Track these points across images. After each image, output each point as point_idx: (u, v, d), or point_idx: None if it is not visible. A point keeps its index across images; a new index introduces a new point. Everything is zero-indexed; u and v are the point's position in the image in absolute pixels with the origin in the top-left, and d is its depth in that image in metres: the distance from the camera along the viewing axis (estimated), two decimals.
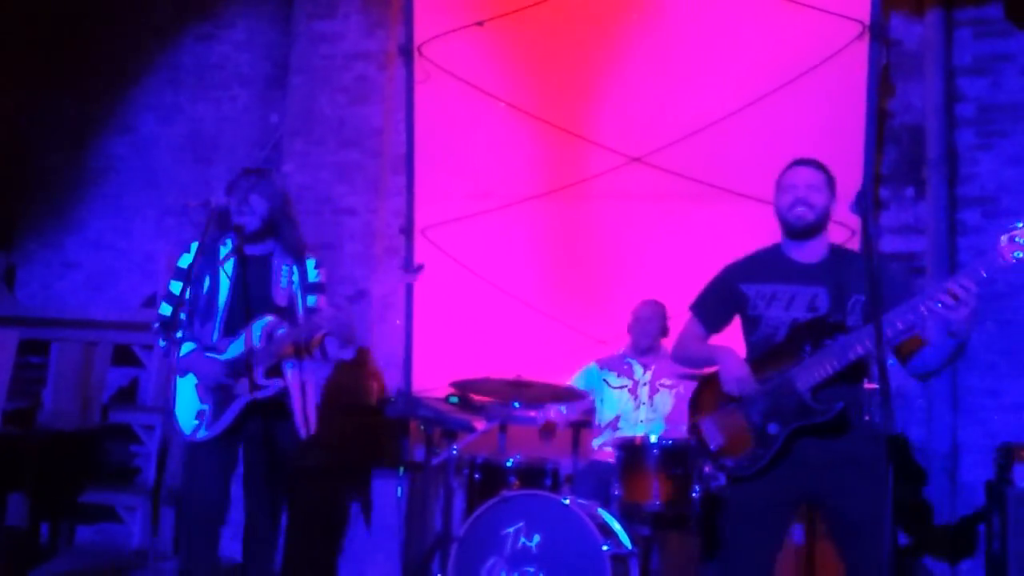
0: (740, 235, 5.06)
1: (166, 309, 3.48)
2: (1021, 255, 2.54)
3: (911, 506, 4.75)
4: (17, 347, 5.02)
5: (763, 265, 3.02)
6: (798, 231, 2.94)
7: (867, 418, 2.80)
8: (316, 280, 3.53)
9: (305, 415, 3.44)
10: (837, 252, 2.99)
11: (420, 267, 3.44)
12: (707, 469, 3.88)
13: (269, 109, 6.13)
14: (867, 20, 4.89)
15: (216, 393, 3.34)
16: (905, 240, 5.12)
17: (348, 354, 3.52)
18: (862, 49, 4.95)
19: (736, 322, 3.11)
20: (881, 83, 5.06)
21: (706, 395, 3.04)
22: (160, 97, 6.27)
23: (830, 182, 2.98)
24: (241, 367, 3.31)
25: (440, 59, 5.58)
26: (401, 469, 4.86)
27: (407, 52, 5.62)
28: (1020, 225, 2.57)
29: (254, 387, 3.29)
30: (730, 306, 3.06)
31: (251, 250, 3.42)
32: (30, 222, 6.33)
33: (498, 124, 5.49)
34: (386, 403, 5.09)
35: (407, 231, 5.57)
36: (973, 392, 4.83)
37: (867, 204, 2.72)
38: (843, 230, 4.54)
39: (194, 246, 3.43)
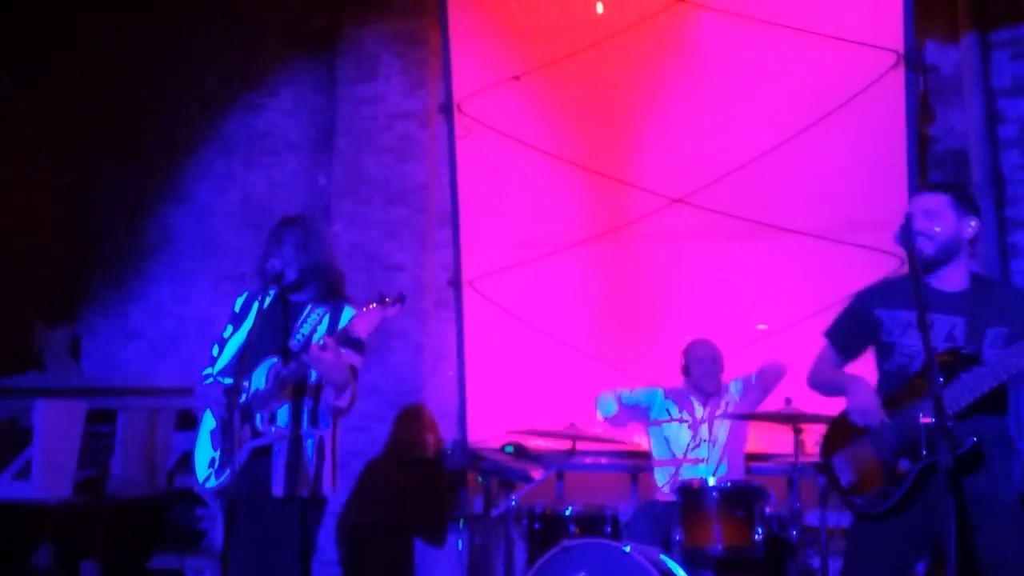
0: (784, 269, 5.09)
1: (215, 350, 3.48)
2: None
3: None
4: (84, 417, 5.17)
5: (900, 291, 2.87)
6: (922, 265, 2.75)
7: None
8: (342, 328, 3.29)
9: (318, 473, 3.21)
10: (979, 281, 2.87)
11: (401, 297, 3.11)
12: (768, 510, 3.85)
13: (317, 172, 6.29)
14: (901, 49, 4.88)
15: (225, 440, 3.21)
16: None
17: (342, 402, 3.28)
18: (898, 78, 4.93)
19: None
20: (920, 110, 5.04)
21: (838, 432, 2.95)
22: (212, 166, 6.48)
23: (960, 203, 2.81)
24: (247, 410, 3.22)
25: (480, 114, 5.70)
26: (461, 522, 4.88)
27: (447, 109, 5.75)
28: None
29: (254, 433, 3.21)
30: (865, 332, 2.94)
31: (278, 295, 3.34)
32: (93, 294, 6.55)
33: (539, 174, 5.58)
34: (443, 455, 5.13)
35: (455, 283, 5.66)
36: None
37: (911, 234, 2.70)
38: (892, 260, 4.52)
39: (244, 295, 3.50)
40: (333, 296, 3.41)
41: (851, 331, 3.00)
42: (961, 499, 2.56)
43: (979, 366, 2.65)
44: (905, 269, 4.38)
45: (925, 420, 2.63)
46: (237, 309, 3.49)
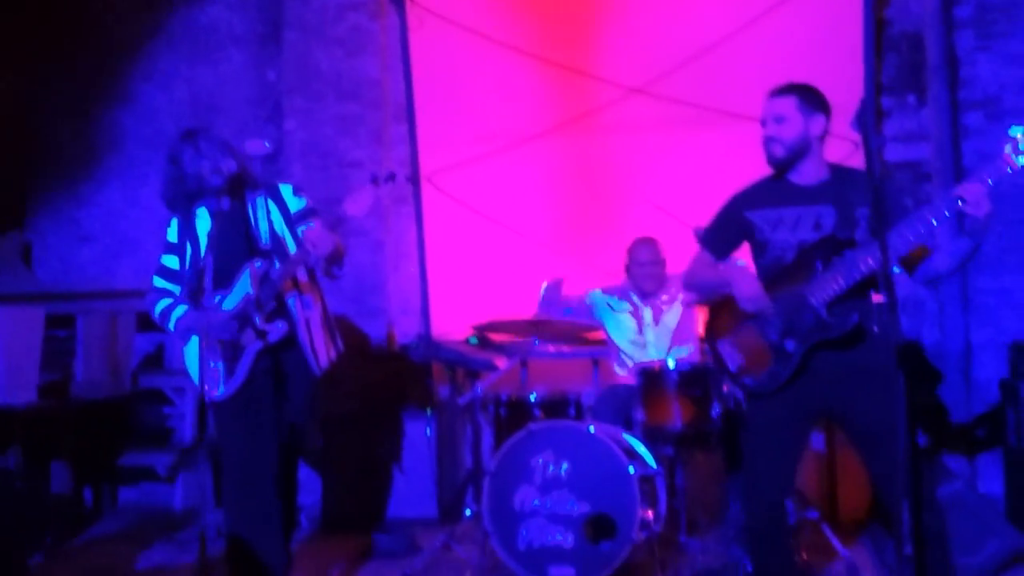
0: (744, 157, 5.08)
1: (160, 282, 3.46)
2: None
3: (928, 407, 4.86)
4: (43, 322, 5.13)
5: (766, 191, 3.04)
6: (774, 166, 2.98)
7: (876, 329, 2.84)
8: (300, 208, 3.41)
9: (314, 349, 3.38)
10: (838, 171, 3.00)
11: (391, 175, 3.22)
12: (725, 388, 3.99)
13: (266, 67, 6.13)
14: None
15: (225, 349, 3.30)
16: (909, 148, 5.14)
17: (342, 270, 3.43)
18: None
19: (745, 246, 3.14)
20: None
21: (721, 318, 3.08)
22: (157, 64, 6.28)
23: (806, 103, 2.94)
24: (241, 317, 3.28)
25: (432, 4, 5.57)
26: (429, 410, 4.99)
27: (398, 0, 5.61)
28: (1021, 131, 2.60)
29: (259, 334, 3.28)
30: (737, 234, 3.09)
31: (224, 205, 3.33)
32: (42, 199, 6.40)
33: (495, 66, 5.50)
34: (407, 349, 5.20)
35: (413, 179, 5.63)
36: (983, 293, 4.89)
37: (867, 119, 2.75)
38: (846, 144, 4.58)
39: (175, 220, 3.44)
40: (256, 183, 3.42)
41: (724, 234, 3.14)
42: (907, 373, 2.70)
43: (852, 249, 2.79)
44: (859, 155, 4.49)
45: (877, 298, 2.75)
46: (175, 238, 3.43)
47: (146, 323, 5.80)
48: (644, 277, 4.50)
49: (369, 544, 4.38)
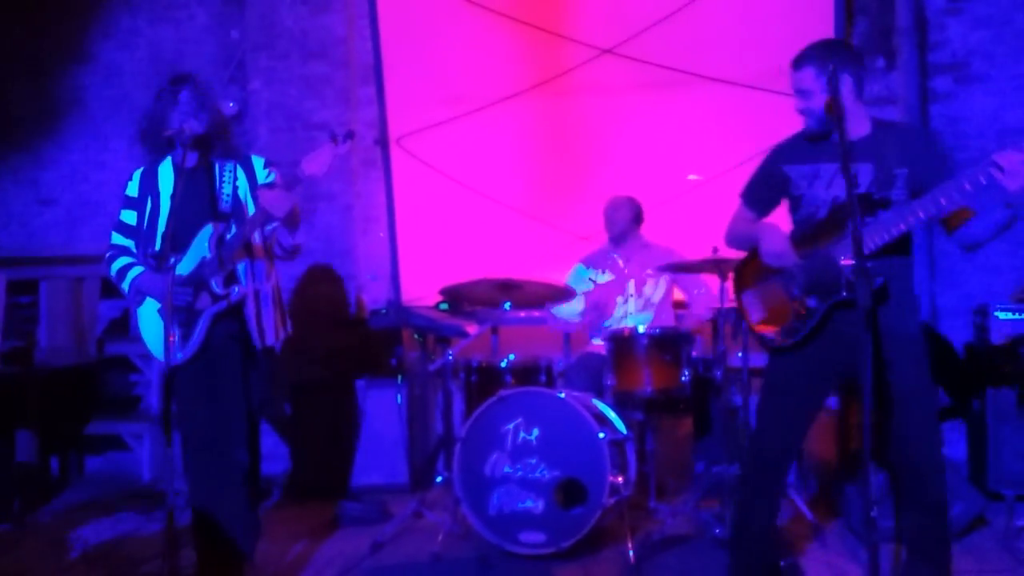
0: (714, 119, 5.12)
1: (118, 239, 3.37)
2: None
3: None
4: (5, 288, 5.03)
5: (804, 145, 2.97)
6: (813, 137, 2.92)
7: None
8: (267, 181, 3.30)
9: (260, 324, 3.27)
10: (880, 125, 2.92)
11: (350, 133, 3.10)
12: (694, 353, 4.01)
13: (229, 26, 5.99)
14: None
15: (180, 313, 3.20)
16: (878, 111, 5.06)
17: (297, 239, 3.28)
18: None
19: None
20: None
21: (749, 269, 3.07)
22: (116, 23, 6.11)
23: (825, 67, 2.82)
24: (196, 281, 3.20)
25: None
26: (399, 377, 4.98)
27: None
28: None
29: (215, 298, 3.20)
30: (775, 188, 3.03)
31: (191, 161, 3.23)
32: (2, 161, 6.24)
33: (465, 25, 5.41)
34: (376, 315, 5.16)
35: (382, 142, 5.55)
36: (949, 256, 4.94)
37: (838, 83, 2.75)
38: None
39: (137, 173, 3.35)
40: (232, 150, 3.34)
41: (763, 189, 3.10)
42: (877, 336, 2.72)
43: (886, 210, 2.75)
44: None
45: (846, 262, 2.74)
46: (135, 192, 3.34)
47: (111, 289, 5.72)
48: (610, 223, 4.55)
49: (340, 512, 4.38)
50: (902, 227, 2.71)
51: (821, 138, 2.90)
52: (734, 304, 3.16)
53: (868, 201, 2.79)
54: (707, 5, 5.05)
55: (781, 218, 3.06)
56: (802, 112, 2.91)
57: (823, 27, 4.87)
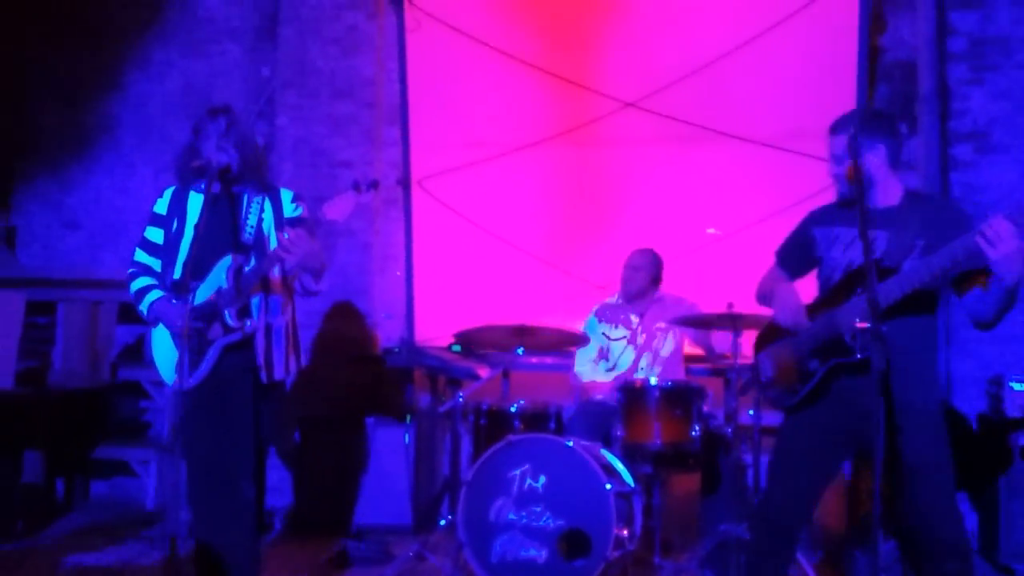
0: (734, 176, 5.15)
1: (141, 256, 3.38)
2: None
3: None
4: (24, 308, 5.08)
5: (835, 209, 3.01)
6: (843, 203, 2.94)
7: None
8: (294, 215, 3.31)
9: (268, 358, 3.25)
10: (913, 197, 2.93)
11: (374, 183, 3.15)
12: (705, 408, 3.99)
13: (260, 62, 6.10)
14: None
15: (191, 340, 3.19)
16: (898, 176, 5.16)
17: (321, 286, 3.30)
18: None
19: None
20: (872, 19, 5.05)
21: (769, 330, 3.11)
22: (150, 54, 6.24)
23: (857, 135, 2.80)
24: (210, 310, 3.20)
25: (430, 7, 5.56)
26: (408, 417, 4.97)
27: (397, 1, 5.59)
28: None
29: (227, 329, 3.19)
30: (805, 250, 3.06)
31: (216, 188, 3.23)
32: (29, 183, 6.34)
33: (491, 72, 5.49)
34: (389, 353, 5.18)
35: (404, 183, 5.61)
36: (965, 326, 4.90)
37: (858, 147, 2.76)
38: None
39: (169, 191, 3.38)
40: (264, 183, 3.36)
41: (794, 250, 3.13)
42: (890, 400, 2.69)
43: (891, 277, 2.74)
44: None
45: (861, 325, 2.73)
46: (163, 211, 3.36)
47: (127, 314, 5.77)
48: (628, 280, 4.54)
49: (341, 550, 4.35)
50: (898, 294, 2.70)
51: (850, 204, 2.90)
52: (747, 361, 3.19)
53: (876, 269, 2.74)
54: (731, 64, 5.11)
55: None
56: (833, 177, 2.94)
57: (845, 91, 4.92)
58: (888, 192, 2.90)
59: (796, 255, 3.12)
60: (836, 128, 2.94)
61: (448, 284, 5.49)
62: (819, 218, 3.04)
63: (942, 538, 2.74)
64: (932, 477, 2.75)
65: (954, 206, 2.92)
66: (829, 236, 2.95)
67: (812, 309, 2.94)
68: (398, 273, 5.68)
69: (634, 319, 4.54)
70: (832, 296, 2.89)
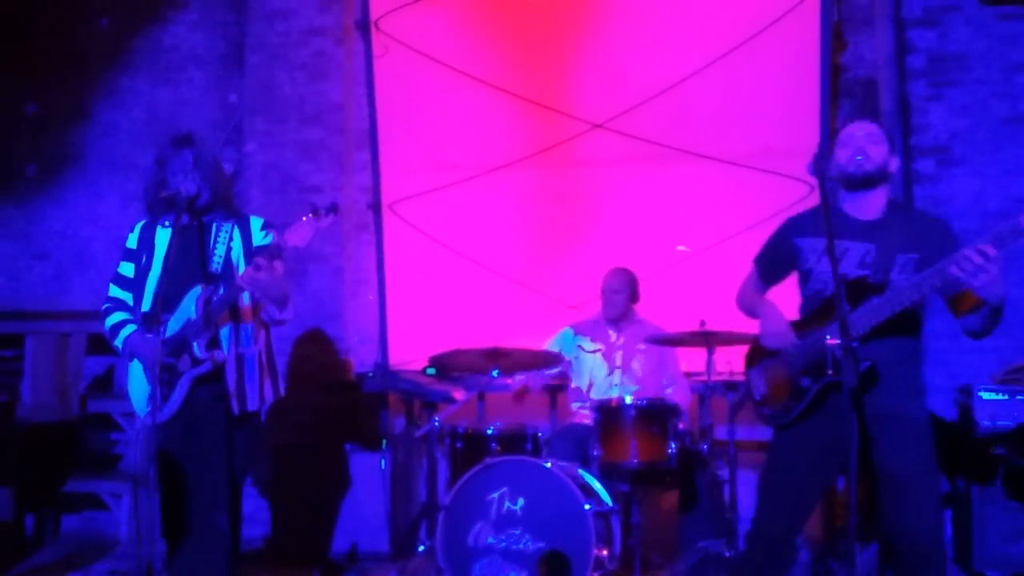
0: (701, 195, 5.21)
1: (115, 291, 3.38)
2: None
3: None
4: None
5: (818, 220, 2.91)
6: (857, 180, 2.87)
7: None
8: (263, 243, 3.26)
9: (240, 388, 3.22)
10: (895, 208, 2.96)
11: (333, 207, 3.10)
12: (681, 426, 4.01)
13: (227, 89, 6.09)
14: None
15: (163, 374, 3.16)
16: None
17: (286, 315, 3.27)
18: (814, 6, 5.03)
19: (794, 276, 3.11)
20: (833, 38, 5.15)
21: (757, 349, 3.10)
22: (117, 83, 6.20)
23: (889, 138, 2.93)
24: (180, 342, 3.18)
25: (397, 32, 5.58)
26: (384, 442, 4.94)
27: (364, 26, 5.62)
28: None
29: (195, 362, 3.18)
30: (785, 260, 3.06)
31: (184, 219, 3.22)
32: None
33: (460, 95, 5.52)
34: (363, 378, 5.15)
35: (375, 207, 5.61)
36: (934, 336, 4.97)
37: (823, 164, 2.78)
38: (802, 187, 4.67)
39: (139, 226, 3.37)
40: (231, 211, 3.35)
41: (773, 258, 3.13)
42: (862, 416, 2.72)
43: (881, 293, 2.77)
44: (815, 196, 4.57)
45: (831, 342, 2.76)
46: (134, 245, 3.36)
47: (97, 345, 5.71)
48: (610, 304, 4.55)
49: None
50: (887, 312, 2.73)
51: (859, 185, 2.89)
52: (719, 378, 3.19)
53: (863, 285, 2.81)
54: (697, 85, 5.18)
55: (790, 288, 3.11)
56: (861, 150, 2.89)
57: (809, 109, 5.01)
58: (881, 202, 2.91)
59: (775, 264, 3.12)
60: (867, 117, 3.00)
61: (421, 307, 5.49)
62: (802, 228, 3.02)
63: (923, 547, 2.77)
64: (920, 486, 2.78)
65: (940, 223, 2.96)
66: (817, 248, 2.93)
67: (803, 324, 2.94)
68: (371, 297, 5.66)
69: (612, 335, 4.56)
70: (822, 312, 2.89)
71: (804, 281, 3.02)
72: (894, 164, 2.93)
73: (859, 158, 2.86)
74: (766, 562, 2.98)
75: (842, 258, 2.86)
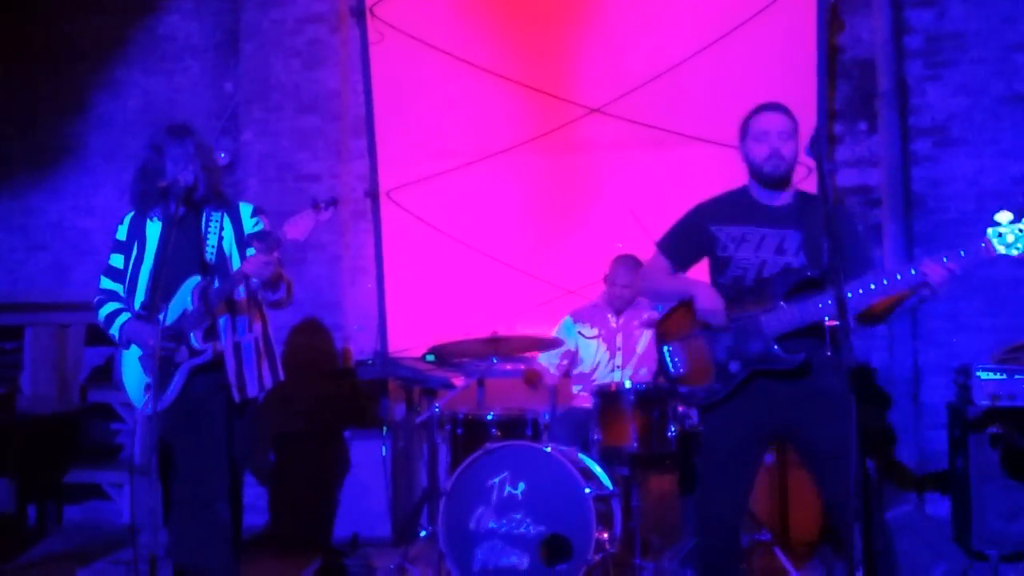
0: (700, 178, 5.18)
1: (106, 283, 3.39)
2: (1005, 250, 2.63)
3: (877, 431, 4.94)
4: None
5: (733, 207, 3.04)
6: (774, 181, 2.97)
7: (829, 353, 2.83)
8: (254, 230, 3.30)
9: (240, 377, 3.24)
10: (803, 196, 3.03)
11: (333, 200, 3.13)
12: (680, 409, 4.02)
13: (223, 78, 6.07)
14: None
15: (162, 366, 3.15)
16: (860, 173, 5.25)
17: (279, 295, 3.27)
18: None
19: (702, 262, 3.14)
20: (830, 19, 5.13)
21: (672, 322, 3.10)
22: (112, 73, 6.18)
23: (796, 128, 2.99)
24: (177, 332, 3.19)
25: (393, 19, 5.56)
26: (384, 428, 4.95)
27: (359, 13, 5.60)
28: (1008, 219, 2.64)
29: (192, 352, 3.20)
30: (699, 246, 3.08)
31: (181, 210, 3.20)
32: None
33: (456, 81, 5.50)
34: (363, 365, 5.16)
35: (372, 194, 5.60)
36: (932, 316, 4.99)
37: (821, 147, 2.78)
38: (800, 169, 4.65)
39: (128, 217, 3.38)
40: (221, 199, 3.35)
41: (685, 244, 3.14)
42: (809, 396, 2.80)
43: (818, 290, 2.82)
44: (812, 179, 4.57)
45: (830, 323, 2.78)
46: (124, 237, 3.37)
47: (96, 336, 5.70)
48: (615, 297, 4.55)
49: (321, 565, 4.32)
50: (823, 310, 2.77)
51: (777, 185, 2.98)
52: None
53: (799, 277, 2.87)
54: (694, 68, 5.17)
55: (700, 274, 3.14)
56: (776, 152, 2.98)
57: (806, 90, 5.00)
58: (789, 189, 3.00)
59: (687, 250, 3.13)
60: (779, 108, 3.00)
61: (420, 294, 5.49)
62: (717, 215, 3.05)
63: (842, 506, 2.80)
64: (841, 464, 2.78)
65: (840, 206, 3.04)
66: (735, 235, 2.98)
67: (728, 308, 2.95)
68: (369, 285, 5.66)
69: (612, 319, 4.57)
70: (750, 297, 2.92)
71: (721, 268, 3.04)
72: (801, 152, 2.93)
73: (775, 161, 2.94)
74: (719, 547, 3.01)
75: (759, 246, 2.93)
